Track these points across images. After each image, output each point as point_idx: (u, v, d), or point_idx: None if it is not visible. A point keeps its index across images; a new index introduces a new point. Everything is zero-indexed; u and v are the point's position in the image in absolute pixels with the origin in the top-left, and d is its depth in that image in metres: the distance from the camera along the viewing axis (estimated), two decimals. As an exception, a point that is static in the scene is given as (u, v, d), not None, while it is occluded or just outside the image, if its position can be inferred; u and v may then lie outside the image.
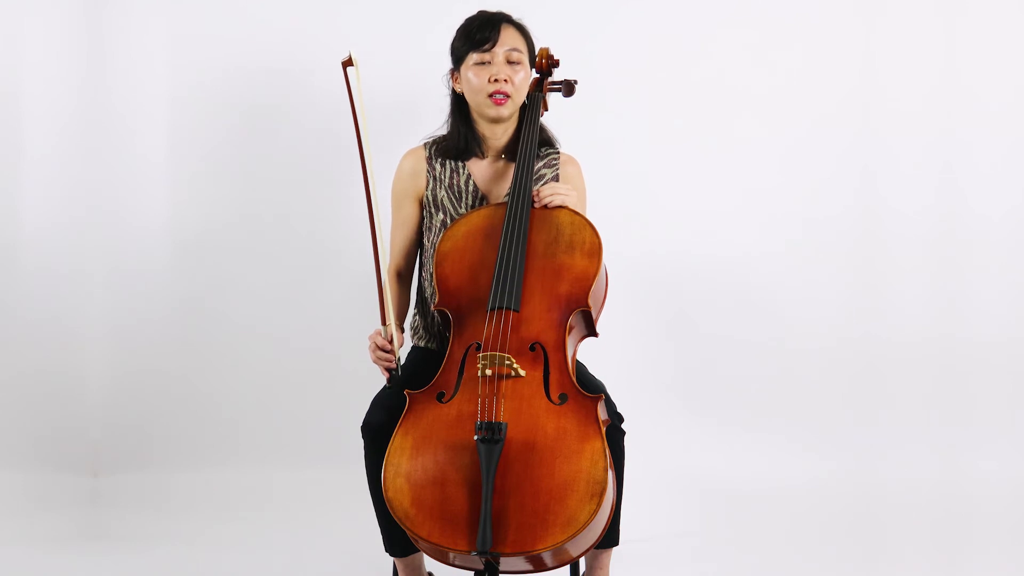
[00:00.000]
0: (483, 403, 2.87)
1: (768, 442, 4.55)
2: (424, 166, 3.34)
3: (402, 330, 3.27)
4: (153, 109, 4.63)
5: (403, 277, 3.38)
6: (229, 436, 4.64)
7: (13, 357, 4.55)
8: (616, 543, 3.21)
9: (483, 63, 3.22)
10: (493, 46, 3.21)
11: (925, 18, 4.58)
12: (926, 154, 4.60)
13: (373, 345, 3.12)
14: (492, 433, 2.77)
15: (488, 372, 2.90)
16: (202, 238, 4.64)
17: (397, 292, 3.32)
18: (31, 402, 4.56)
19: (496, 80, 3.21)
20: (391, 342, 3.10)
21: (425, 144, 3.37)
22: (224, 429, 4.64)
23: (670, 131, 4.57)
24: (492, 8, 3.34)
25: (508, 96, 3.23)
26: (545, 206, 3.18)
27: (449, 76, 3.32)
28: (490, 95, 3.22)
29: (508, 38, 3.23)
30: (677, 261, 4.58)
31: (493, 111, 3.24)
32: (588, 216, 3.21)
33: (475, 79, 3.22)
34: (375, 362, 3.13)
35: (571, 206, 3.19)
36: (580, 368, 3.24)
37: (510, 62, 3.23)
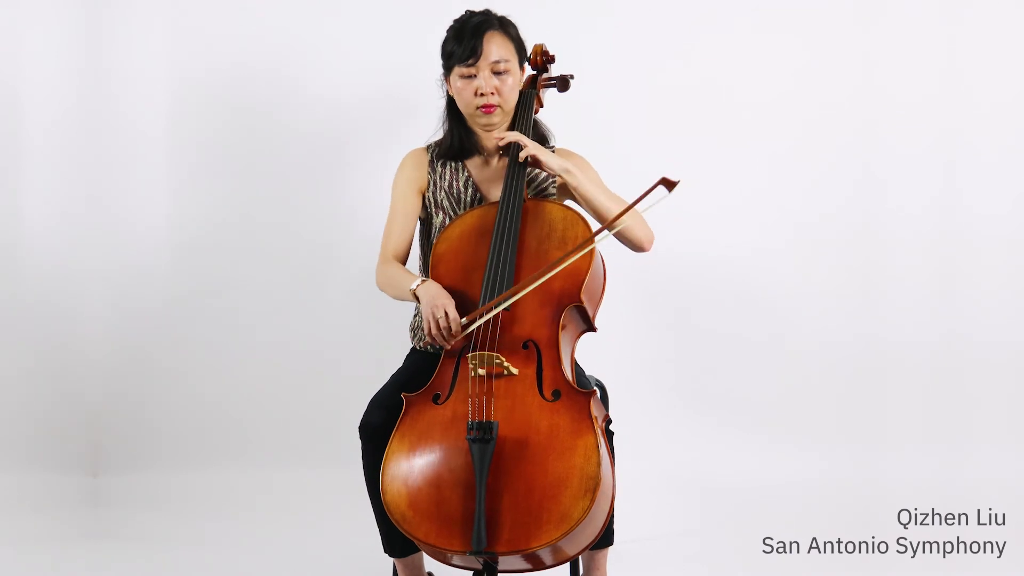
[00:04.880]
0: (475, 403, 2.87)
1: (768, 442, 4.54)
2: (426, 167, 3.34)
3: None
4: (153, 110, 4.64)
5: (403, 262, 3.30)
6: (229, 436, 4.65)
7: (13, 357, 4.56)
8: (611, 543, 3.20)
9: (469, 76, 3.20)
10: (477, 60, 3.18)
11: (926, 17, 4.57)
12: (926, 153, 4.58)
13: (440, 320, 2.95)
14: (483, 433, 2.77)
15: (481, 372, 2.90)
16: (202, 238, 4.64)
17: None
18: (31, 402, 4.57)
19: (482, 94, 3.20)
20: (452, 334, 2.97)
21: (428, 147, 3.38)
22: (224, 429, 4.65)
23: (669, 128, 4.56)
24: (484, 4, 3.32)
25: (496, 105, 3.22)
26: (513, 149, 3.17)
27: (442, 78, 3.31)
28: (478, 107, 3.21)
29: (493, 48, 3.19)
30: (676, 260, 4.56)
31: (483, 120, 3.25)
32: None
33: (462, 91, 3.22)
34: (430, 332, 2.97)
35: (536, 154, 3.13)
36: (576, 369, 3.23)
37: (496, 72, 3.20)
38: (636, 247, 3.26)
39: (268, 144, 4.62)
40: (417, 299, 3.10)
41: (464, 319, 2.98)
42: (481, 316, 2.97)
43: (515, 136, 3.18)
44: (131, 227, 4.65)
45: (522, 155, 3.16)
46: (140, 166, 4.65)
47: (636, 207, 3.00)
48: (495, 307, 2.97)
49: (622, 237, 3.22)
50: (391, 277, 3.19)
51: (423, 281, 3.09)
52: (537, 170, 3.33)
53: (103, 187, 4.63)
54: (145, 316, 4.66)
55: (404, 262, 3.30)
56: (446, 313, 2.97)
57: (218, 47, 4.61)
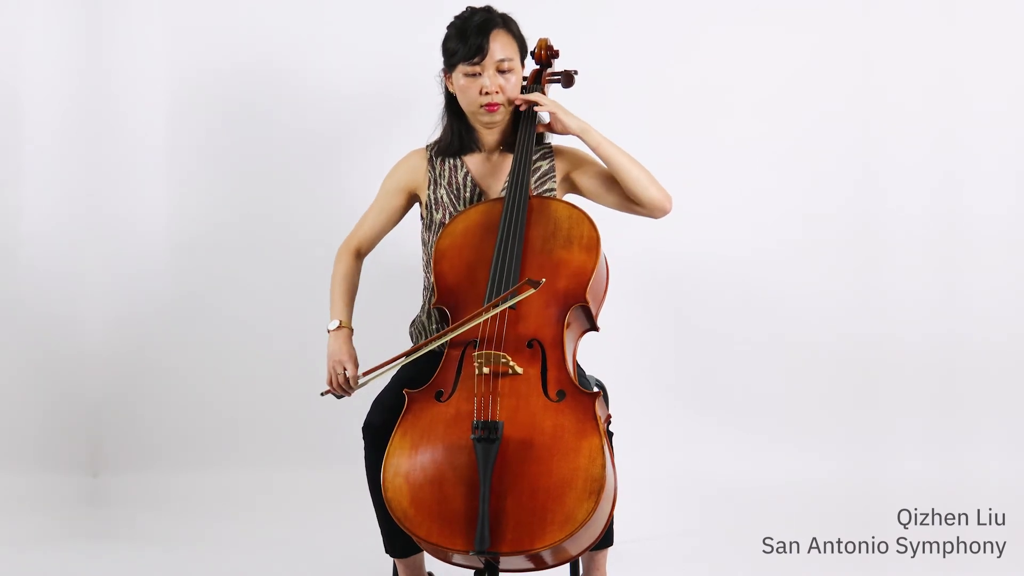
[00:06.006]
0: (480, 402, 2.86)
1: (767, 442, 4.54)
2: (425, 166, 3.34)
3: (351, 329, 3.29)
4: (153, 110, 4.65)
5: (360, 258, 3.40)
6: (229, 436, 4.65)
7: (13, 357, 4.56)
8: (611, 543, 3.21)
9: (473, 75, 3.20)
10: (483, 59, 3.18)
11: (926, 17, 4.57)
12: (926, 153, 4.59)
13: (338, 376, 3.15)
14: (488, 432, 2.76)
15: (485, 370, 2.89)
16: (202, 238, 4.64)
17: (352, 269, 3.36)
18: (31, 402, 4.57)
19: (487, 93, 3.20)
20: (351, 386, 3.15)
21: (427, 146, 3.39)
22: (224, 429, 4.65)
23: (670, 128, 4.57)
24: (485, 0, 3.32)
25: (500, 104, 3.22)
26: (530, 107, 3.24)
27: (441, 75, 3.31)
28: (482, 105, 3.22)
29: (498, 47, 3.19)
30: (677, 260, 4.58)
31: (487, 118, 3.25)
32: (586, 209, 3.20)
33: (466, 90, 3.22)
34: (330, 383, 3.17)
35: (555, 110, 3.21)
36: (577, 369, 3.23)
37: (501, 71, 3.21)
38: (655, 209, 3.23)
39: (268, 144, 4.62)
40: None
41: (361, 374, 3.11)
42: (382, 369, 3.04)
43: (533, 97, 3.24)
44: (131, 227, 4.65)
45: (537, 110, 3.23)
46: (140, 166, 4.65)
47: (506, 301, 2.99)
48: (393, 364, 3.04)
49: (640, 203, 3.22)
50: (332, 285, 3.35)
51: (338, 327, 3.23)
52: (539, 164, 3.33)
53: (103, 187, 4.63)
54: (145, 316, 4.65)
55: (364, 255, 3.40)
56: (345, 368, 3.15)
57: (218, 47, 4.62)
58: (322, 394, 3.20)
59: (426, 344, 3.04)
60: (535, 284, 2.91)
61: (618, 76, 4.52)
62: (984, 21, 4.57)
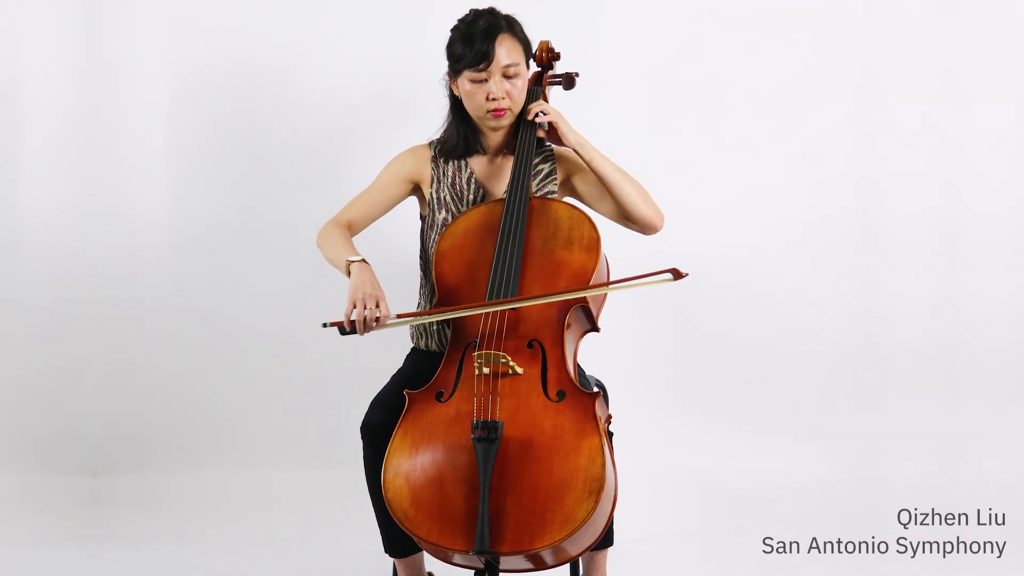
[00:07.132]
0: (479, 402, 2.86)
1: (768, 442, 4.55)
2: (429, 165, 3.33)
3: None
4: (153, 109, 4.65)
5: (352, 233, 3.29)
6: (229, 436, 4.65)
7: (13, 357, 4.56)
8: (611, 543, 3.21)
9: (479, 80, 3.17)
10: (489, 65, 3.15)
11: (926, 18, 4.58)
12: (926, 153, 4.60)
13: (369, 312, 2.90)
14: (488, 432, 2.76)
15: (485, 370, 2.89)
16: (202, 238, 4.64)
17: (347, 233, 3.22)
18: (31, 402, 4.57)
19: (494, 99, 3.18)
20: (370, 326, 2.93)
21: (430, 143, 3.37)
22: (224, 429, 4.65)
23: (672, 128, 4.58)
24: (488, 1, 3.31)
25: (507, 108, 3.21)
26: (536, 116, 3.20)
27: (447, 78, 3.29)
28: (489, 111, 3.20)
29: (504, 52, 3.15)
30: (677, 260, 4.54)
31: (493, 123, 3.23)
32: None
33: (473, 95, 3.19)
34: (349, 315, 2.91)
35: (557, 121, 3.19)
36: (577, 369, 3.23)
37: (507, 76, 3.18)
38: (646, 226, 3.24)
39: (268, 143, 4.63)
40: (347, 274, 3.04)
41: (396, 316, 2.96)
42: (420, 318, 3.00)
43: (539, 106, 3.21)
44: (131, 227, 4.65)
45: (540, 119, 3.19)
46: (140, 166, 4.66)
47: (637, 281, 2.99)
48: (433, 315, 3.02)
49: (631, 219, 3.22)
50: (334, 239, 3.15)
51: (363, 260, 3.05)
52: (540, 167, 3.32)
53: (103, 187, 4.63)
54: (145, 316, 4.65)
55: (354, 234, 3.28)
56: (377, 304, 2.91)
57: (218, 47, 4.62)
58: (325, 325, 2.91)
59: (478, 306, 2.95)
60: (678, 276, 2.89)
61: (619, 77, 4.53)
62: (984, 22, 4.57)
